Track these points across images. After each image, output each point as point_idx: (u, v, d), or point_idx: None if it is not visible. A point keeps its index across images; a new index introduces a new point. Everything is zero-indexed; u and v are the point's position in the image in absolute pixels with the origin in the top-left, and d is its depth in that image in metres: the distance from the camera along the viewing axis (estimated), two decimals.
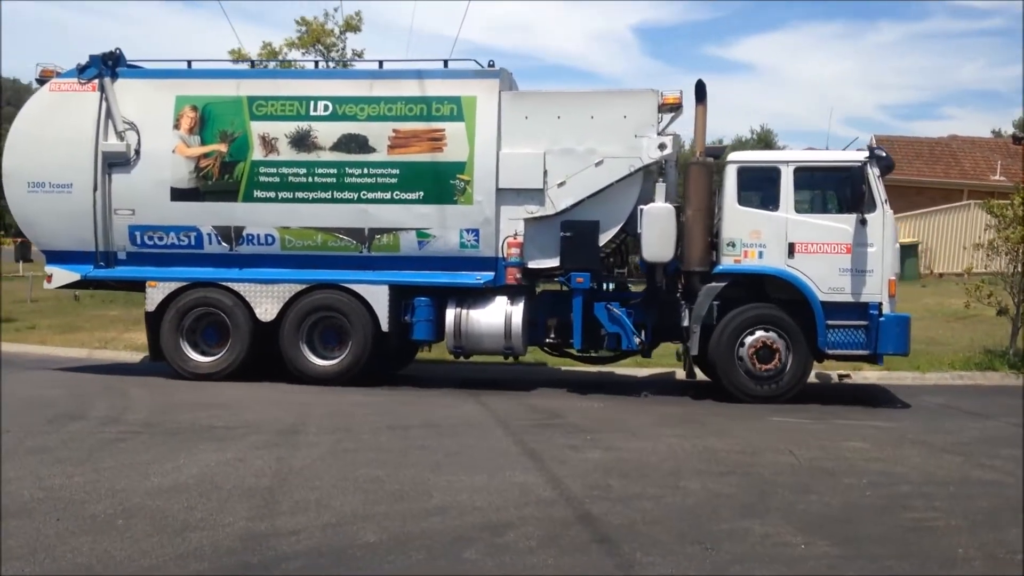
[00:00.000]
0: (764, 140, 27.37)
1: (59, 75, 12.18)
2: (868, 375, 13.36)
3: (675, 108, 11.80)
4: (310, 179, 11.71)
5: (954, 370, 13.51)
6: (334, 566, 4.75)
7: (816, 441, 8.43)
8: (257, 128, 11.77)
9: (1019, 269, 13.94)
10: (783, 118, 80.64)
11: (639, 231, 11.31)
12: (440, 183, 11.55)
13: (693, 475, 6.90)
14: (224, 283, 11.90)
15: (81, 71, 12.06)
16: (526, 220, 11.57)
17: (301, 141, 11.70)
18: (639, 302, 11.78)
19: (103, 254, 12.06)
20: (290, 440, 8.05)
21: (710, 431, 8.97)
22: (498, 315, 11.55)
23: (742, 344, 11.03)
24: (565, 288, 11.66)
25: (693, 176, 11.39)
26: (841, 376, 13.29)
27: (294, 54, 21.63)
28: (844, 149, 11.78)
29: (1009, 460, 7.77)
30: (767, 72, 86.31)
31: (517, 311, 11.53)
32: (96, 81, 12.00)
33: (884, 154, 11.44)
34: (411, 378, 12.65)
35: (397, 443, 8.07)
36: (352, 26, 22.21)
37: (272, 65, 18.76)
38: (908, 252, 26.12)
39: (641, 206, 11.34)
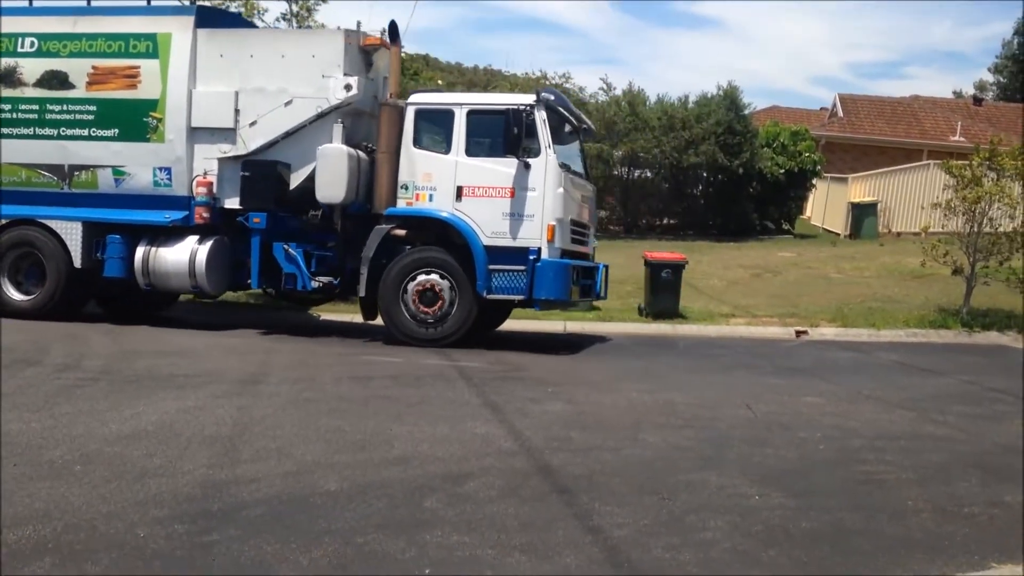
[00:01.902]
0: (730, 97, 27.29)
1: None
2: (825, 332, 13.58)
3: (377, 49, 11.71)
4: (15, 115, 11.94)
5: (908, 327, 13.78)
6: (295, 514, 4.77)
7: (774, 396, 8.56)
8: None
9: (975, 229, 14.17)
10: (751, 75, 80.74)
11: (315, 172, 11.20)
12: (134, 121, 11.66)
13: (652, 428, 6.99)
14: None
15: None
16: (220, 160, 11.56)
17: (7, 77, 11.96)
18: (335, 244, 11.64)
19: None
20: (251, 389, 8.02)
21: (671, 385, 9.07)
22: (184, 254, 11.55)
23: (407, 287, 10.97)
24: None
25: (384, 118, 11.33)
26: (799, 332, 13.50)
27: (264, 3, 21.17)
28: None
29: (960, 416, 7.95)
30: (736, 29, 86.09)
31: (203, 250, 11.53)
32: None
33: (552, 97, 11.33)
34: (370, 330, 12.64)
35: (359, 393, 8.08)
36: None
37: (235, 7, 18.34)
38: (867, 211, 26.42)
39: (318, 147, 11.23)
